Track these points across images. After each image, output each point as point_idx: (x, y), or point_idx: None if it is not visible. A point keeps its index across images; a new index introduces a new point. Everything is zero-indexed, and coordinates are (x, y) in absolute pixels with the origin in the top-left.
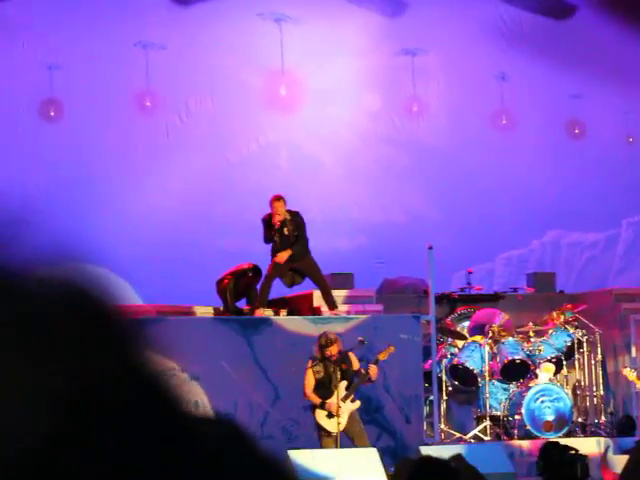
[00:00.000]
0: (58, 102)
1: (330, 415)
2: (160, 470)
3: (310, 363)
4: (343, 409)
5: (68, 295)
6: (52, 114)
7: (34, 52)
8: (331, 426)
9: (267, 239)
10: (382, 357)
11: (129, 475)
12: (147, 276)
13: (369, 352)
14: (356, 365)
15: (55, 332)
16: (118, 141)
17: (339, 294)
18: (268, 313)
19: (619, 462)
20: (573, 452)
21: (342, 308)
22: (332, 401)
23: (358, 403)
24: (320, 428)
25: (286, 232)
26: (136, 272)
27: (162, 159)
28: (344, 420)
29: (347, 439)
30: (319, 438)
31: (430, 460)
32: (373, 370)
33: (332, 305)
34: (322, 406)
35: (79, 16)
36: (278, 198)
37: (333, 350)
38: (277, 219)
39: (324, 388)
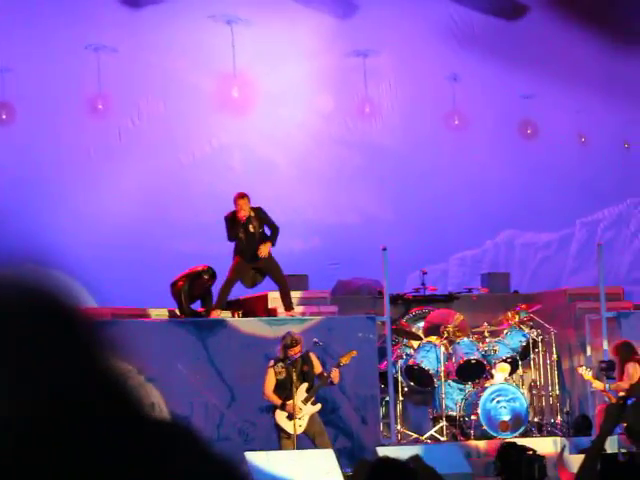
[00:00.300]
0: (9, 105)
1: (290, 417)
2: (121, 467)
3: (272, 363)
4: (304, 411)
5: (31, 297)
6: (4, 117)
7: None
8: (291, 428)
9: (231, 236)
10: (344, 361)
11: (92, 471)
12: (102, 278)
13: (324, 353)
14: (317, 367)
15: (18, 334)
16: (70, 144)
17: (294, 295)
18: (224, 315)
19: (575, 462)
20: (530, 452)
21: (297, 309)
22: (292, 402)
23: (319, 406)
24: (280, 429)
25: (252, 229)
26: (90, 274)
27: (115, 161)
28: (304, 422)
29: (307, 440)
30: (279, 439)
31: (388, 461)
32: (335, 373)
33: (289, 306)
34: (282, 407)
35: (30, 19)
36: (242, 195)
37: (297, 350)
38: (242, 214)
39: (284, 389)
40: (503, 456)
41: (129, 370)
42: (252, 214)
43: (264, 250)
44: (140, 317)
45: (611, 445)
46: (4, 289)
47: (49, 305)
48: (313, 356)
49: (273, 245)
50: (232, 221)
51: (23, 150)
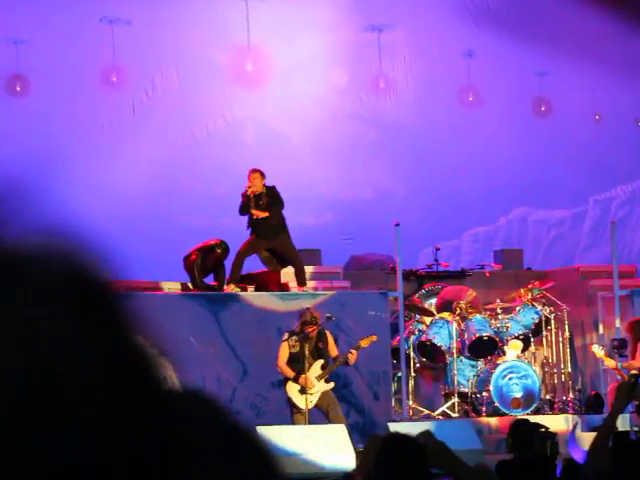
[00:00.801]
0: (24, 77)
1: (302, 391)
2: (141, 443)
3: (287, 335)
4: (317, 388)
5: (64, 267)
6: (18, 89)
7: (0, 27)
8: (302, 402)
9: (242, 210)
10: (364, 344)
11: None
12: (115, 251)
13: (337, 328)
14: (332, 346)
15: (53, 304)
16: (85, 116)
17: (306, 270)
18: (237, 289)
19: (587, 439)
20: (543, 430)
21: (309, 284)
22: (307, 376)
23: (332, 384)
24: (292, 404)
25: (263, 205)
26: (104, 247)
27: (129, 134)
28: (315, 398)
29: (320, 415)
30: (291, 414)
31: (397, 437)
32: (353, 356)
33: (302, 283)
34: (295, 380)
35: None
36: (254, 170)
37: (314, 328)
38: (251, 190)
39: (297, 362)
40: (515, 433)
41: (142, 344)
42: (264, 191)
43: (257, 213)
44: (153, 290)
45: (623, 423)
46: (37, 261)
47: (79, 270)
48: (329, 334)
49: (268, 213)
50: (246, 197)
51: (37, 122)
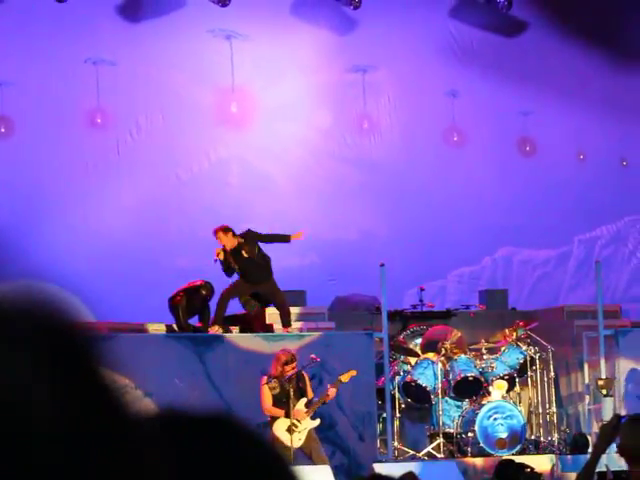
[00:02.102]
0: (8, 119)
1: (290, 430)
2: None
3: (265, 380)
4: (304, 425)
5: (30, 311)
6: (2, 130)
7: None
8: (289, 440)
9: (228, 272)
10: (344, 379)
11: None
12: (99, 293)
13: (322, 369)
14: (309, 387)
15: (18, 349)
16: (69, 158)
17: (291, 311)
18: (221, 330)
19: (571, 479)
20: (528, 470)
21: (295, 325)
22: (298, 409)
23: (318, 421)
24: (278, 443)
25: (245, 254)
26: (88, 288)
27: (113, 176)
28: (303, 436)
29: (304, 457)
30: None
31: (380, 478)
32: (332, 392)
33: (287, 324)
34: (287, 415)
35: (30, 32)
36: (217, 231)
37: (293, 366)
38: (222, 251)
39: (280, 404)
40: (501, 473)
41: (125, 385)
42: (240, 241)
43: (298, 235)
44: (138, 332)
45: (608, 463)
46: (6, 304)
47: (49, 319)
48: (305, 375)
49: (288, 241)
50: (223, 260)
51: (22, 164)
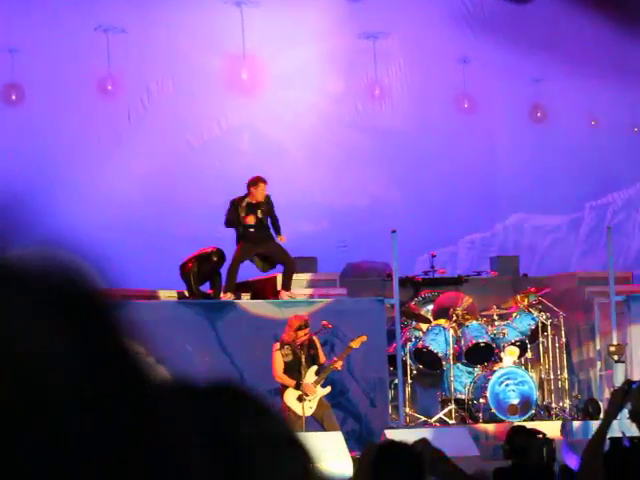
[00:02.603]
0: (19, 86)
1: (300, 398)
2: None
3: (278, 345)
4: (316, 392)
5: (46, 273)
6: (13, 98)
7: None
8: (300, 409)
9: (232, 223)
10: (355, 345)
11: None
12: (111, 260)
13: (333, 336)
14: (321, 351)
15: (42, 315)
16: (80, 125)
17: (303, 277)
18: (233, 297)
19: (582, 446)
20: (540, 436)
21: (306, 291)
22: (307, 382)
23: (329, 388)
24: (289, 411)
25: (260, 214)
26: (99, 256)
27: (124, 143)
28: (314, 404)
29: (315, 423)
30: None
31: (393, 444)
32: (339, 364)
33: (287, 287)
34: (297, 387)
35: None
36: (265, 180)
37: (306, 332)
38: (259, 198)
39: (292, 371)
40: (512, 440)
41: (138, 352)
42: (264, 200)
43: (283, 238)
44: (150, 299)
45: (619, 429)
46: (27, 270)
47: (66, 282)
48: (317, 340)
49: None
50: (237, 207)
51: (32, 131)
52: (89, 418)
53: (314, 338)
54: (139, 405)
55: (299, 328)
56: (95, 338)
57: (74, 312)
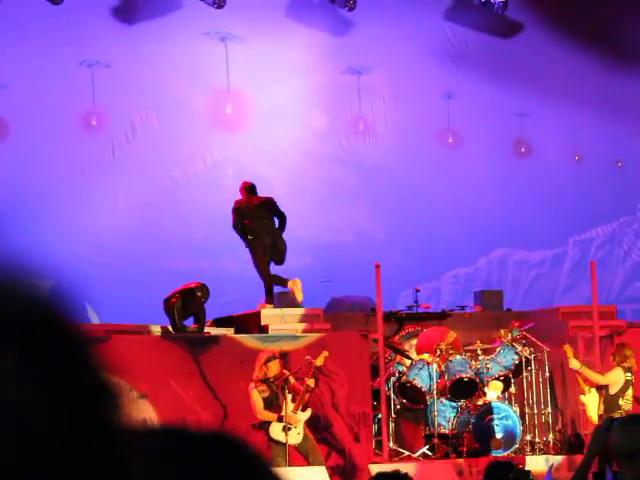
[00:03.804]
0: (2, 121)
1: (285, 429)
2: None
3: (252, 385)
4: (298, 419)
5: (28, 306)
6: None
7: None
8: (289, 438)
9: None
10: (319, 362)
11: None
12: (94, 294)
13: (317, 370)
14: (295, 385)
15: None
16: (64, 160)
17: (287, 313)
18: (216, 331)
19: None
20: (517, 469)
21: (291, 327)
22: (287, 413)
23: (309, 411)
24: (275, 444)
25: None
26: (82, 290)
27: (108, 178)
28: (301, 430)
29: (300, 457)
30: (272, 457)
31: (385, 475)
32: (311, 381)
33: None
34: (280, 420)
35: (24, 34)
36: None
37: (276, 366)
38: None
39: (272, 405)
40: (489, 473)
41: (120, 386)
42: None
43: None
44: (133, 333)
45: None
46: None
47: (45, 315)
48: (291, 377)
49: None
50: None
51: (16, 166)
52: (45, 450)
53: (286, 374)
54: (101, 442)
55: (267, 360)
56: (63, 371)
57: (45, 343)
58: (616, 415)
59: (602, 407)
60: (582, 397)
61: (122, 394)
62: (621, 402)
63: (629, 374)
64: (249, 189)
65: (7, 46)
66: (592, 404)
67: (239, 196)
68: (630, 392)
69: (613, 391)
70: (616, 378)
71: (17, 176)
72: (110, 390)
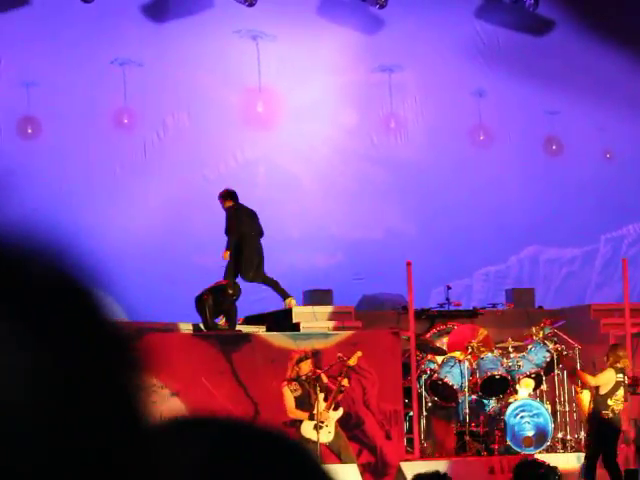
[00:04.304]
0: (35, 119)
1: (316, 427)
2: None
3: (285, 383)
4: (330, 418)
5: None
6: (29, 131)
7: (11, 69)
8: (320, 436)
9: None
10: (352, 362)
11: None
12: (126, 292)
13: (349, 367)
14: (328, 384)
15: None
16: (96, 158)
17: (318, 310)
18: (248, 329)
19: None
20: (545, 467)
21: (322, 324)
22: (319, 411)
23: (341, 410)
24: (306, 443)
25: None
26: (115, 288)
27: (140, 176)
28: (332, 429)
29: (331, 455)
30: None
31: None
32: (345, 381)
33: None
34: (311, 418)
35: (57, 33)
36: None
37: (308, 366)
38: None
39: (304, 404)
40: (519, 473)
41: (152, 385)
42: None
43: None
44: (165, 331)
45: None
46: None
47: (87, 312)
48: (323, 375)
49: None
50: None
51: (48, 164)
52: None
53: (319, 372)
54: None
55: (299, 360)
56: (102, 365)
57: (84, 337)
58: (603, 414)
59: (591, 406)
60: (578, 396)
61: (155, 392)
62: (610, 402)
63: (620, 375)
64: (235, 195)
65: (40, 45)
66: (584, 402)
67: (270, 193)
68: (621, 392)
69: (603, 391)
70: (607, 379)
71: (50, 174)
72: (138, 389)
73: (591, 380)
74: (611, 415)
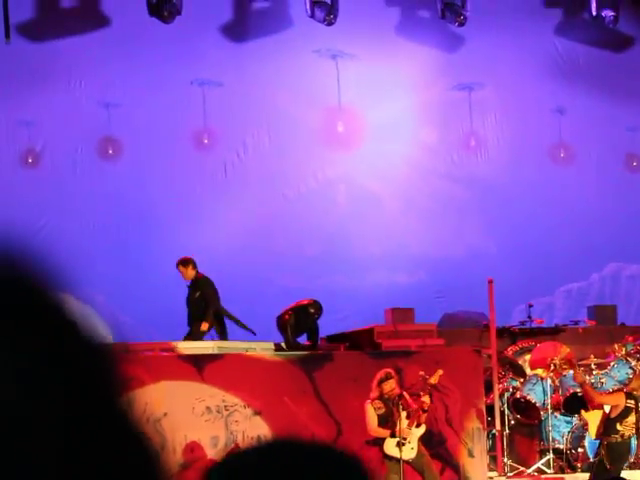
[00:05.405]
0: (116, 140)
1: (400, 443)
2: None
3: (369, 400)
4: (412, 435)
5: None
6: (110, 152)
7: (92, 90)
8: (403, 453)
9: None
10: (434, 381)
11: None
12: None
13: (430, 386)
14: (410, 403)
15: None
16: (177, 179)
17: (400, 328)
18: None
19: None
20: None
21: (404, 342)
22: (401, 428)
23: (424, 427)
24: (389, 460)
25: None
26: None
27: (221, 196)
28: (415, 445)
29: (415, 474)
30: (386, 474)
31: None
32: (427, 399)
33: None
34: (393, 435)
35: (137, 54)
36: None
37: (392, 383)
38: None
39: (387, 422)
40: None
41: (235, 404)
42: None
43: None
44: (246, 351)
45: None
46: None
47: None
48: (406, 394)
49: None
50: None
51: (129, 185)
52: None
53: (402, 392)
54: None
55: (381, 381)
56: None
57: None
58: (612, 439)
59: (601, 429)
60: (583, 413)
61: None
62: (619, 427)
63: (631, 401)
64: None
65: (120, 65)
66: (593, 422)
67: (351, 212)
68: (632, 419)
69: (613, 415)
70: (615, 401)
71: (131, 194)
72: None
73: (597, 398)
74: (620, 440)
